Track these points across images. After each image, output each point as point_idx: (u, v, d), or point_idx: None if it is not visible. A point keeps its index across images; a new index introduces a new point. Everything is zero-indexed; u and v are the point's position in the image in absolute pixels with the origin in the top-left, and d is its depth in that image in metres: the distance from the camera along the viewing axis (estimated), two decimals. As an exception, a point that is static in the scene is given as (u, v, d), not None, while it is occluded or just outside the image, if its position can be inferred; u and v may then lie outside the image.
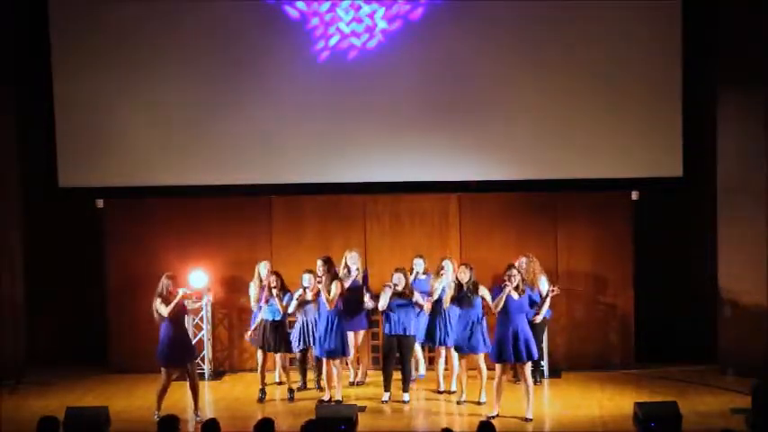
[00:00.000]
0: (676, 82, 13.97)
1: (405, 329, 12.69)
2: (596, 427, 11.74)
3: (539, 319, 12.96)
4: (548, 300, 13.01)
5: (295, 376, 13.43)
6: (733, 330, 13.68)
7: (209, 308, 14.21)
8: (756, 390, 9.59)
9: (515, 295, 11.85)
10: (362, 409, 12.23)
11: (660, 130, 14.05)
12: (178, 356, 12.12)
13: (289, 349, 13.09)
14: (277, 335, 12.92)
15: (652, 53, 13.96)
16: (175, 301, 12.04)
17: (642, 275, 14.21)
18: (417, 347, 13.28)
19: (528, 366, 11.94)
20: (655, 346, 14.20)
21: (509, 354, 11.82)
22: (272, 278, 12.90)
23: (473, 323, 12.46)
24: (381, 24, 14.28)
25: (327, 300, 12.53)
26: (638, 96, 14.05)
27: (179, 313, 12.17)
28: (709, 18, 13.84)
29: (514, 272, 11.95)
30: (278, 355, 13.24)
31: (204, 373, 14.02)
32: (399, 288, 12.65)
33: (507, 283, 11.82)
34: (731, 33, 13.48)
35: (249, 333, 13.25)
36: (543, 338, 13.56)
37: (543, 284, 13.19)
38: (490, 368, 12.36)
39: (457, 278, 12.56)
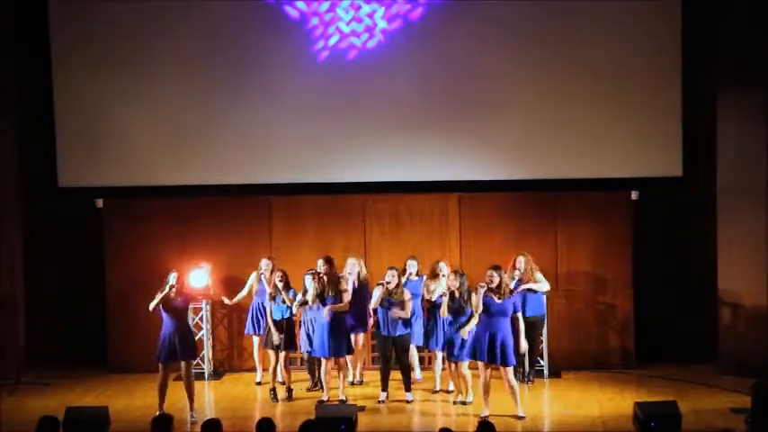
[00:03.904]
0: (676, 82, 13.98)
1: (398, 328, 12.66)
2: (596, 427, 11.73)
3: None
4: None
5: (294, 376, 13.41)
6: (733, 330, 13.68)
7: (209, 307, 14.24)
8: (756, 390, 9.56)
9: (496, 298, 11.81)
10: (362, 408, 12.23)
11: (660, 130, 14.06)
12: (163, 353, 12.11)
13: (294, 347, 13.08)
14: (285, 334, 12.91)
15: (652, 53, 13.97)
16: (158, 298, 12.03)
17: (642, 275, 14.20)
18: (413, 350, 13.27)
19: (509, 371, 11.86)
20: (655, 346, 14.19)
21: (482, 353, 11.79)
22: (278, 274, 12.88)
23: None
24: (381, 24, 14.28)
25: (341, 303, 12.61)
26: (638, 96, 14.06)
27: (169, 310, 12.12)
28: (709, 18, 13.85)
29: (494, 274, 11.83)
30: (281, 354, 13.18)
31: (204, 372, 14.03)
32: (391, 287, 12.65)
33: (480, 285, 11.78)
34: (731, 33, 13.48)
35: (263, 333, 13.32)
36: (542, 337, 13.60)
37: (541, 282, 13.19)
38: (473, 368, 12.36)
39: (449, 286, 12.45)
